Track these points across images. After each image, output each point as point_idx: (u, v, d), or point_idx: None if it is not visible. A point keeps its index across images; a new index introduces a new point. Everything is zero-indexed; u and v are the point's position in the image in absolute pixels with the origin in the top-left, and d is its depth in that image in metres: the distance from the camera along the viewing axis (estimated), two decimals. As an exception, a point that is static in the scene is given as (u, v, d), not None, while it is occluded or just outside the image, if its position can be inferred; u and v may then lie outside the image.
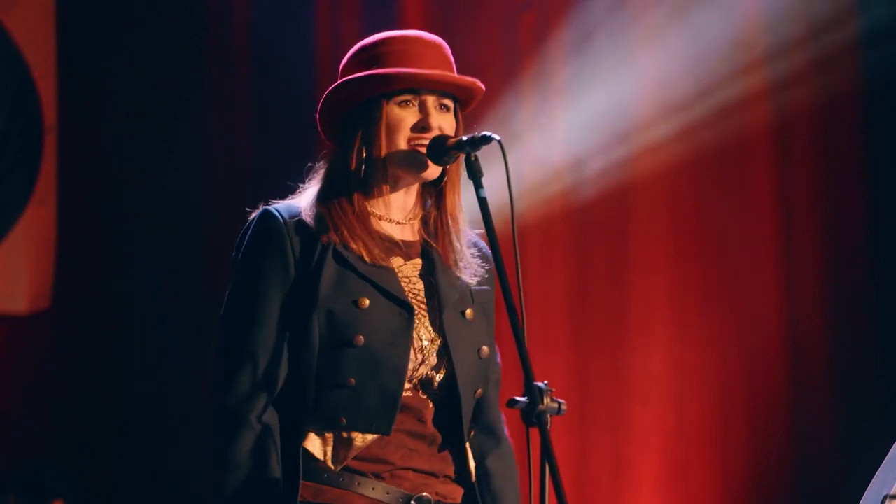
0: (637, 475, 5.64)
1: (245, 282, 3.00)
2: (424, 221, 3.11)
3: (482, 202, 2.89)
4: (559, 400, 2.71)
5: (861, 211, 5.67)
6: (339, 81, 3.03)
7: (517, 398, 2.72)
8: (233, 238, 3.09)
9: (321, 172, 3.07)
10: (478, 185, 2.90)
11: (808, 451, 5.58)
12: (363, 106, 3.01)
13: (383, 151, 3.00)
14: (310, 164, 3.09)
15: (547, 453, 2.65)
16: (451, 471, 3.07)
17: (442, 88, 3.02)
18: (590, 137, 5.64)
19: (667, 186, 5.69)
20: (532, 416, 2.69)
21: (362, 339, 2.94)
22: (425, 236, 3.09)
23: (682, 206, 5.72)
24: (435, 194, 3.10)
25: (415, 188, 3.08)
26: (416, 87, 3.00)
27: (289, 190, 3.12)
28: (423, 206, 3.11)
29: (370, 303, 2.96)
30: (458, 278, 3.07)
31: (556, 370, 5.59)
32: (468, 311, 3.06)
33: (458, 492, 3.09)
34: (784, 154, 5.70)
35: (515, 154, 5.44)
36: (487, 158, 2.95)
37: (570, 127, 5.67)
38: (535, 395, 2.70)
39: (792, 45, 5.61)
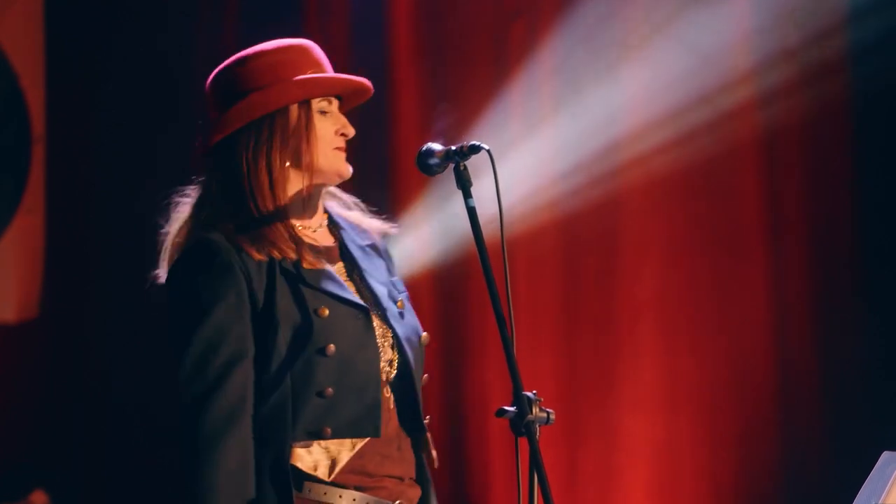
0: (626, 485, 5.63)
1: (198, 315, 2.93)
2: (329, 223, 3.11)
3: (471, 212, 2.89)
4: (548, 409, 2.71)
5: (850, 222, 5.67)
6: (264, 87, 3.00)
7: (506, 408, 2.72)
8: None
9: (213, 186, 3.12)
10: (467, 195, 2.90)
11: (797, 461, 5.58)
12: (278, 114, 3.00)
13: (310, 159, 2.99)
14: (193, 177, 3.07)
15: (536, 463, 2.66)
16: (413, 471, 3.04)
17: (353, 94, 3.06)
18: (579, 147, 5.64)
19: (656, 197, 5.69)
20: (521, 425, 2.69)
21: (333, 348, 2.91)
22: (336, 236, 3.09)
23: (671, 217, 5.72)
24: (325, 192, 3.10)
25: (321, 191, 3.07)
26: (329, 94, 3.02)
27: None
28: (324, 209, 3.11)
29: (329, 312, 2.94)
30: (381, 269, 3.08)
31: (545, 380, 5.59)
32: (399, 302, 3.06)
33: (417, 493, 3.06)
34: (773, 165, 5.71)
35: (504, 163, 5.43)
36: (476, 168, 2.95)
37: (559, 137, 5.67)
38: (523, 404, 2.70)
39: (781, 56, 5.62)
